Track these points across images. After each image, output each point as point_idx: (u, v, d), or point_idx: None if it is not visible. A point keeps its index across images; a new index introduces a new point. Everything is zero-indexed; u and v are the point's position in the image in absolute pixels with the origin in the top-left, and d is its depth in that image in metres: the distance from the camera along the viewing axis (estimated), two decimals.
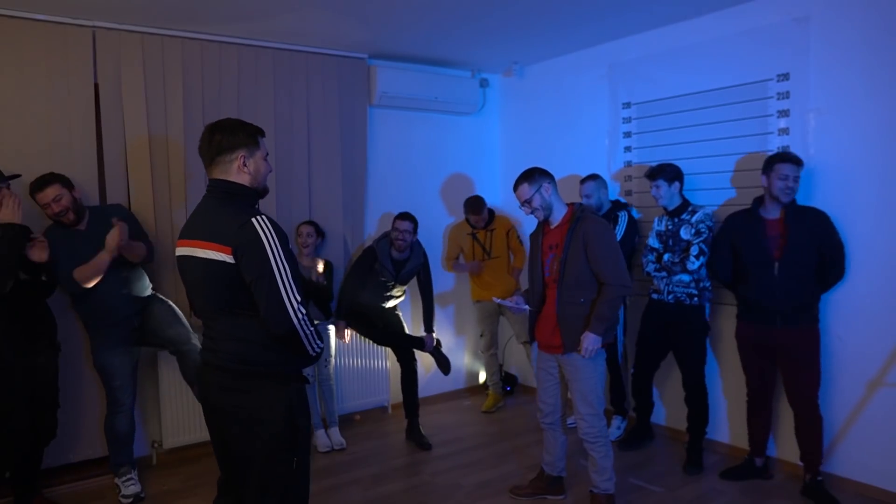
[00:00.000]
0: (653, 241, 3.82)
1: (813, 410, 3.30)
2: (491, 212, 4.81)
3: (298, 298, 1.93)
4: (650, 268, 3.79)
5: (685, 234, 3.67)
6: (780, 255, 3.25)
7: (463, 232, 4.80)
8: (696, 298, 3.66)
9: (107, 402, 3.45)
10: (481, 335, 4.95)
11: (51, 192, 3.16)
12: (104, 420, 3.48)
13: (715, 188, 3.87)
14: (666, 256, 3.71)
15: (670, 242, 3.73)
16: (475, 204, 4.65)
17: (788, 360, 3.32)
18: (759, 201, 3.39)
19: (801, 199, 3.42)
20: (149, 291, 3.56)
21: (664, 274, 3.73)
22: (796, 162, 3.24)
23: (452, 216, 5.22)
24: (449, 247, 4.98)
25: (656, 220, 3.87)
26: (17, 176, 3.04)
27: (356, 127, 4.58)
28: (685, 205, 3.73)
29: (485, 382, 5.24)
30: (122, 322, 3.37)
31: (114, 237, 3.12)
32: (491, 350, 4.94)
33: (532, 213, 3.11)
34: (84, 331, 3.54)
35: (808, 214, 3.27)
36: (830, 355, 3.40)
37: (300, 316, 1.93)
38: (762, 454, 3.58)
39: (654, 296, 3.84)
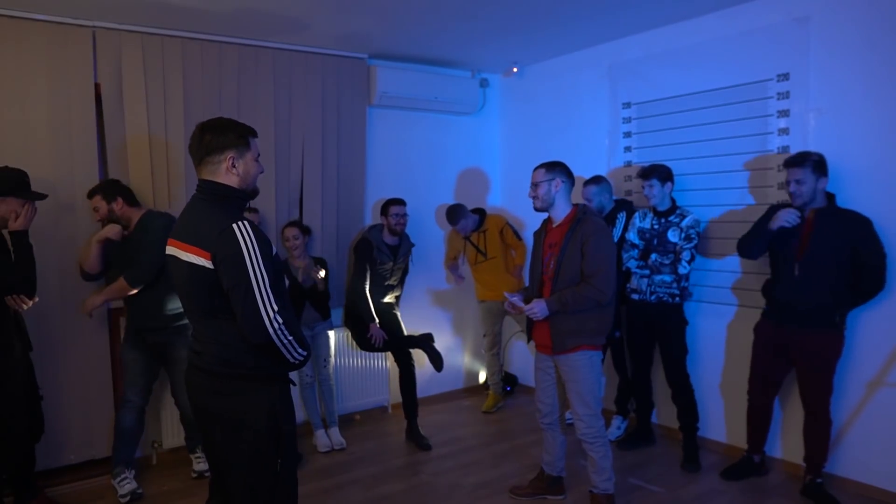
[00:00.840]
0: (633, 237, 3.84)
1: (822, 415, 3.28)
2: (482, 213, 4.79)
3: (276, 307, 1.90)
4: (631, 263, 3.81)
5: (673, 236, 3.69)
6: (801, 258, 3.17)
7: (459, 235, 4.81)
8: (677, 298, 3.73)
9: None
10: (484, 335, 4.95)
11: (92, 202, 3.37)
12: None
13: (714, 188, 3.87)
14: (653, 256, 3.73)
15: (655, 242, 3.75)
16: (448, 216, 4.64)
17: (803, 363, 3.28)
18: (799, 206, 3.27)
19: None
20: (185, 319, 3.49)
21: (647, 272, 3.75)
22: (799, 163, 3.13)
23: None
24: (447, 249, 5.02)
25: (637, 215, 3.88)
26: (44, 196, 3.08)
27: (356, 127, 4.58)
28: (673, 207, 3.76)
29: (485, 382, 5.24)
30: (139, 329, 3.45)
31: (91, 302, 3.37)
32: (493, 350, 4.93)
33: (533, 197, 3.14)
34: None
35: (843, 218, 3.14)
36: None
37: (276, 325, 1.89)
38: (759, 451, 3.58)
39: (635, 296, 3.85)
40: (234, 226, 1.89)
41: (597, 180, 4.09)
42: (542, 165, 3.14)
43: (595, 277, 2.94)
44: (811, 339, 3.22)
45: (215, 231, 1.89)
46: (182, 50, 3.86)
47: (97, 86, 3.64)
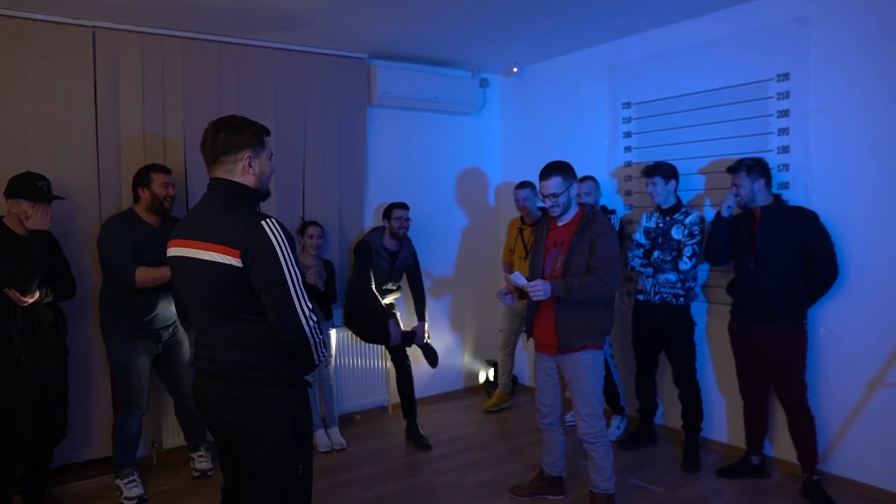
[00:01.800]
0: (640, 237, 3.85)
1: (801, 412, 3.31)
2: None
3: (310, 305, 1.88)
4: (635, 262, 3.83)
5: (676, 233, 3.71)
6: (752, 253, 3.31)
7: (515, 227, 4.70)
8: (682, 298, 3.73)
9: (121, 403, 3.46)
10: (500, 330, 4.96)
11: (168, 178, 3.43)
12: (115, 421, 3.49)
13: (713, 188, 3.87)
14: (656, 254, 3.75)
15: (659, 240, 3.76)
16: (519, 184, 4.52)
17: (770, 361, 3.35)
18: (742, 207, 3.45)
19: (800, 200, 3.44)
20: None
21: (650, 270, 3.77)
22: (735, 170, 3.35)
23: (453, 216, 5.23)
24: (507, 240, 4.83)
25: (645, 216, 3.90)
26: (56, 198, 3.10)
27: (356, 127, 4.58)
28: (678, 205, 3.78)
29: (493, 380, 5.23)
30: (156, 329, 3.44)
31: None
32: (507, 349, 4.92)
33: (552, 207, 3.09)
34: (96, 330, 3.56)
35: (788, 214, 3.29)
36: (830, 355, 3.40)
37: (311, 324, 1.87)
38: (759, 452, 3.59)
39: (640, 297, 3.87)
40: (264, 223, 1.85)
41: (591, 178, 4.15)
42: (554, 173, 3.02)
43: (602, 270, 2.95)
44: (772, 336, 3.31)
45: (244, 228, 1.84)
46: (182, 50, 3.85)
47: (97, 85, 3.64)
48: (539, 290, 2.93)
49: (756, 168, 3.32)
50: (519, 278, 2.98)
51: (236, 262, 1.83)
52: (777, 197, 3.37)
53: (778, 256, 3.25)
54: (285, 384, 1.98)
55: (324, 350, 1.96)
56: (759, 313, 3.32)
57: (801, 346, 3.31)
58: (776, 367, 3.34)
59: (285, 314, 1.84)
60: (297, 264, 1.89)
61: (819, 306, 3.40)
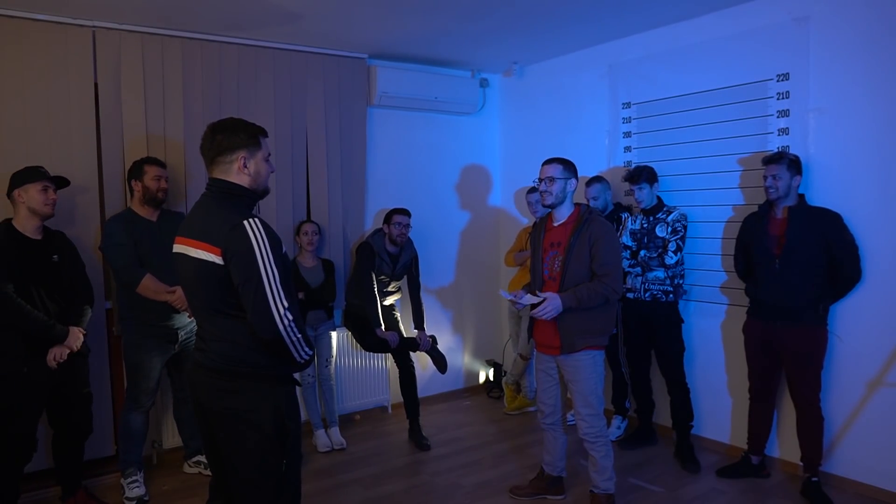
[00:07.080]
0: (626, 239, 3.90)
1: (813, 411, 3.31)
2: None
3: (286, 304, 1.92)
4: (624, 264, 3.84)
5: (661, 231, 3.77)
6: (780, 254, 3.27)
7: (527, 232, 4.69)
8: (671, 295, 3.78)
9: (126, 398, 3.45)
10: (510, 335, 4.99)
11: (162, 171, 3.45)
12: (120, 416, 3.49)
13: (714, 188, 3.88)
14: (643, 253, 3.79)
15: (645, 240, 3.82)
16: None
17: (790, 359, 3.34)
18: (772, 201, 3.37)
19: None
20: None
21: (639, 270, 3.82)
22: (776, 160, 3.25)
23: (453, 216, 5.23)
24: (514, 242, 4.86)
25: (630, 219, 3.93)
26: (66, 181, 3.17)
27: (356, 127, 4.58)
28: (660, 204, 3.83)
29: (494, 380, 5.26)
30: (172, 330, 3.44)
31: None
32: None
33: (544, 193, 3.08)
34: (110, 326, 3.58)
35: (815, 214, 3.26)
36: (830, 355, 3.40)
37: (286, 322, 1.91)
38: (759, 453, 3.59)
39: (630, 295, 3.90)
40: (246, 222, 1.91)
41: (599, 178, 4.15)
42: (557, 161, 3.09)
43: (609, 276, 2.96)
44: (796, 335, 3.29)
45: (226, 227, 1.91)
46: (182, 50, 3.85)
47: (96, 85, 3.64)
48: (549, 310, 2.93)
49: (797, 164, 3.28)
50: (523, 297, 3.06)
51: (218, 260, 1.91)
52: (801, 197, 3.33)
53: (805, 257, 3.23)
54: (270, 380, 2.02)
55: (305, 349, 2.00)
56: (785, 313, 3.29)
57: (822, 345, 3.30)
58: (795, 366, 3.32)
59: (260, 311, 1.90)
60: (277, 264, 1.92)
61: (831, 309, 3.37)
